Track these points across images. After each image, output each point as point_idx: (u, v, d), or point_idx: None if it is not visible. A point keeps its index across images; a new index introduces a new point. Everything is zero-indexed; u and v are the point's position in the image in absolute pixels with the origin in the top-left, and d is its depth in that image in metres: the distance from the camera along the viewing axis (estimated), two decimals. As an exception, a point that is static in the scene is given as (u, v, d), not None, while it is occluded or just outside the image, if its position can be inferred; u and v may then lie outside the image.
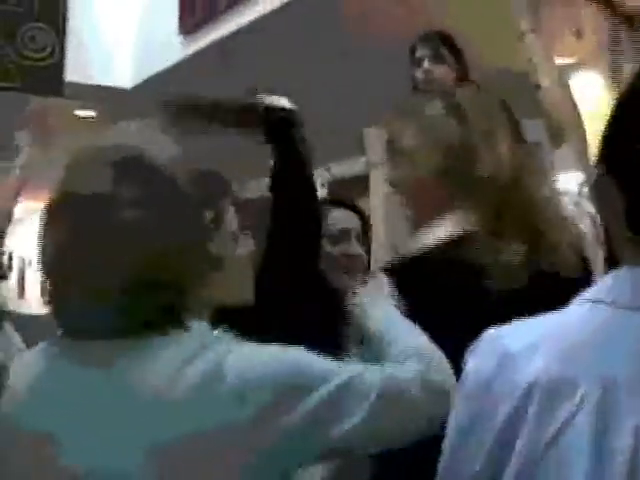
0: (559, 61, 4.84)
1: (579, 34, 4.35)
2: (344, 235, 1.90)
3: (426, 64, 2.92)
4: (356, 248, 1.92)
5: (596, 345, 0.74)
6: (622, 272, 0.76)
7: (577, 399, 0.71)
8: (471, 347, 0.84)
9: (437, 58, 2.92)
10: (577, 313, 0.78)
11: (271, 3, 4.18)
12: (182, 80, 5.12)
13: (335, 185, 8.10)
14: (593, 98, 4.94)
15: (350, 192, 7.87)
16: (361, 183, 7.16)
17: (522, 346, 0.77)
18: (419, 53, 2.96)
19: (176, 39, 4.98)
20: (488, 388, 0.78)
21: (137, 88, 5.49)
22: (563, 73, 2.86)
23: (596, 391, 0.71)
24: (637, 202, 0.74)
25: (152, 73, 5.27)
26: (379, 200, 6.68)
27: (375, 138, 6.58)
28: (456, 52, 2.95)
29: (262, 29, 4.34)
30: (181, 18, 4.97)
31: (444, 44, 2.93)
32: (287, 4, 4.07)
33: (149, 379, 0.98)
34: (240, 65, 4.63)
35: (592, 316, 0.76)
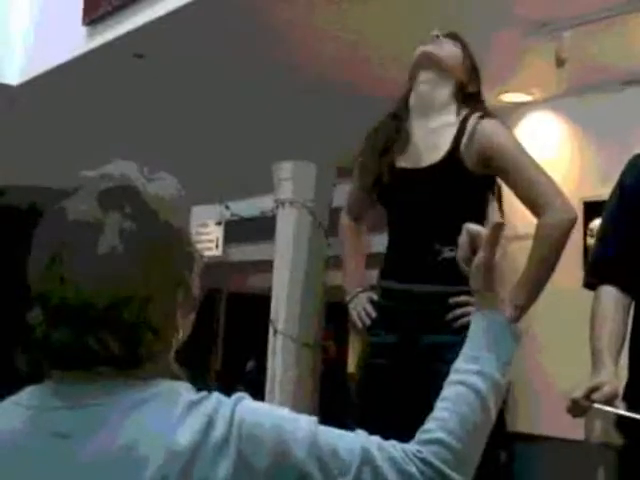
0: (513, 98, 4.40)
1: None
2: None
3: (430, 47, 2.36)
4: None
5: None
6: None
7: None
8: None
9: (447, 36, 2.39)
10: None
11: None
12: (84, 75, 4.55)
13: (234, 225, 7.49)
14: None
15: (252, 233, 7.29)
16: (266, 223, 6.61)
17: None
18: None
19: (79, 31, 4.41)
20: None
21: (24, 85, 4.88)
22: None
23: None
24: None
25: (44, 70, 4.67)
26: (286, 242, 6.15)
27: (286, 174, 6.06)
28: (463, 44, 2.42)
29: (174, 21, 3.84)
30: (85, 10, 4.41)
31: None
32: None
33: None
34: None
35: None
